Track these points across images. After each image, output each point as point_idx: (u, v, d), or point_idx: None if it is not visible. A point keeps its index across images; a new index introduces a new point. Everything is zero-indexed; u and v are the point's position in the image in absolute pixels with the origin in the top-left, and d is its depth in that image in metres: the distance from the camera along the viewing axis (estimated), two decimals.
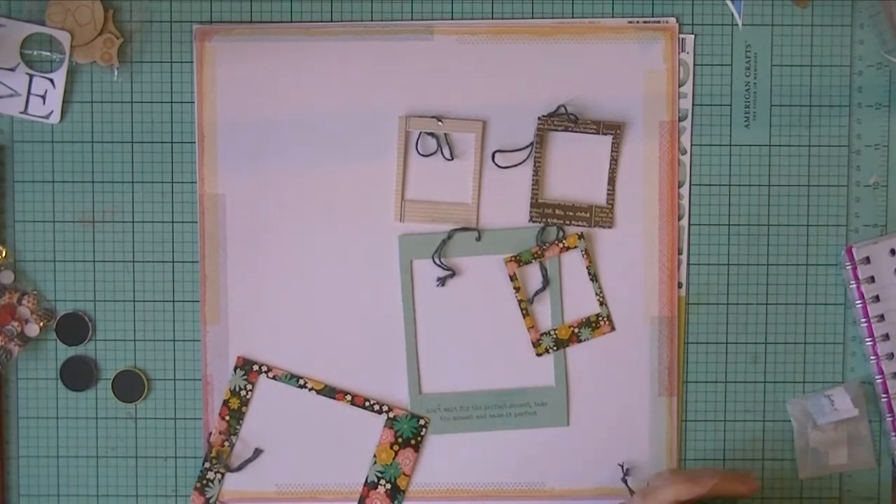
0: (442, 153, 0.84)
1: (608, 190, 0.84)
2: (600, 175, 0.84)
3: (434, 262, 0.84)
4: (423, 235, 0.84)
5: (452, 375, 0.85)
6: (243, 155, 0.84)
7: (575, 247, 0.84)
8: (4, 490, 0.85)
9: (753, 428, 0.85)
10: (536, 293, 0.84)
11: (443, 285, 0.84)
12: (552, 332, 0.84)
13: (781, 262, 0.85)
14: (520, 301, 0.84)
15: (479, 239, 0.84)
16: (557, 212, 0.84)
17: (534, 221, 0.84)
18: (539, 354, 0.85)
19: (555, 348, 0.84)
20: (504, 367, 0.85)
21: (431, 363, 0.84)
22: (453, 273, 0.84)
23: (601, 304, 0.84)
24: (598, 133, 0.83)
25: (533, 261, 0.84)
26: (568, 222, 0.84)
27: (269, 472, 0.85)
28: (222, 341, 0.84)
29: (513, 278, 0.84)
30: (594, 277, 0.84)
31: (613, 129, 0.83)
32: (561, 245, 0.84)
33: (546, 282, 0.84)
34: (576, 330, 0.84)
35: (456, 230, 0.84)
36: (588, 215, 0.84)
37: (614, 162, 0.84)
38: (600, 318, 0.84)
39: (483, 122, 0.84)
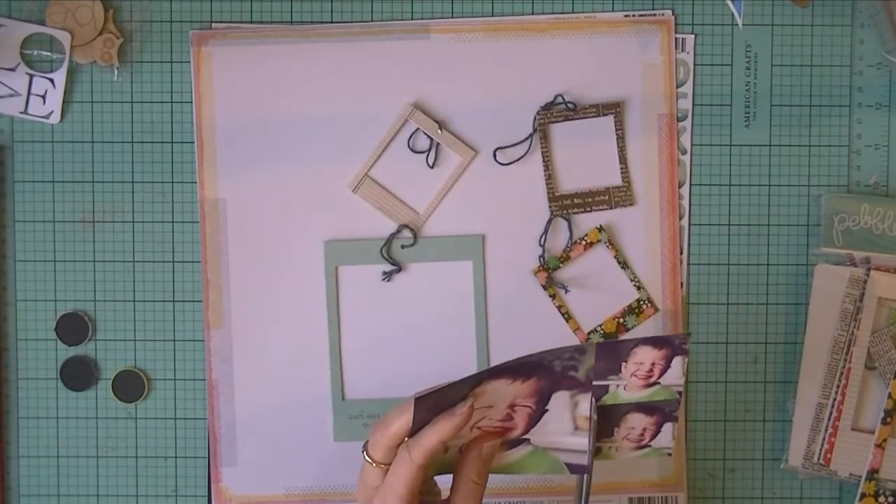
0: (427, 158, 0.83)
1: (621, 168, 0.84)
2: (610, 156, 0.84)
3: (382, 255, 0.83)
4: (355, 241, 0.84)
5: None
6: (243, 159, 0.84)
7: (598, 241, 0.84)
8: (4, 490, 0.85)
9: (753, 428, 0.85)
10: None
11: (388, 280, 0.84)
12: (598, 329, 0.84)
13: (781, 262, 0.85)
14: (559, 307, 0.84)
15: (413, 245, 0.83)
16: (576, 201, 0.84)
17: (554, 216, 0.83)
18: None
19: None
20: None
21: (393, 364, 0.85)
22: (400, 268, 0.83)
23: (638, 288, 0.84)
24: (598, 115, 0.83)
25: (561, 266, 0.84)
26: (588, 209, 0.83)
27: (277, 475, 0.85)
28: (226, 345, 0.84)
29: (546, 287, 0.84)
30: (624, 265, 0.84)
31: (613, 108, 0.83)
32: (584, 243, 0.84)
33: (566, 288, 0.84)
34: (621, 320, 0.84)
35: (402, 227, 0.83)
36: (607, 197, 0.84)
37: (621, 140, 0.83)
38: (642, 303, 0.84)
39: (475, 153, 0.83)
